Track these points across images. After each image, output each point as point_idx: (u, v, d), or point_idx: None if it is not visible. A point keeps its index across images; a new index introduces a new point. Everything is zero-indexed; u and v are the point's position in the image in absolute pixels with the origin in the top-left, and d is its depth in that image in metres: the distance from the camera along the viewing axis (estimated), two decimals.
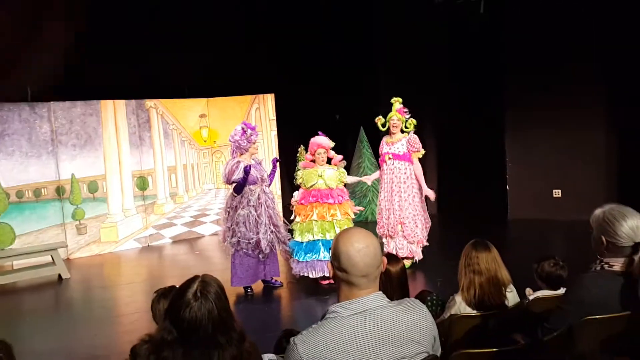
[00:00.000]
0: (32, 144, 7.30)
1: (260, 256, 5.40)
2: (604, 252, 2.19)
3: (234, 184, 5.30)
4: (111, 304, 5.74)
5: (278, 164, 5.84)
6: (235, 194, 5.33)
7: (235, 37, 8.61)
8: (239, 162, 5.29)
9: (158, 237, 8.40)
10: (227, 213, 5.43)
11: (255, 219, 5.31)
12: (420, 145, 5.90)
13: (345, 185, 5.67)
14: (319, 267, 5.35)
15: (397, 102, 5.91)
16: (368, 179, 6.34)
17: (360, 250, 1.68)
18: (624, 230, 2.12)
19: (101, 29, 7.50)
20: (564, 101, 7.79)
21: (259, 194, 5.36)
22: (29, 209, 7.26)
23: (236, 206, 5.34)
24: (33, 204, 7.31)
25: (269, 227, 5.38)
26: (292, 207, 5.68)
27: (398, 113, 5.86)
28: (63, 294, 6.24)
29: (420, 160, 6.01)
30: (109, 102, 7.91)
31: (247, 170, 5.21)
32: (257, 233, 5.30)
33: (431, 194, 5.93)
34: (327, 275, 5.31)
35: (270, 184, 5.58)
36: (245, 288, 5.50)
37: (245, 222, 5.28)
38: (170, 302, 1.71)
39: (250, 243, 5.31)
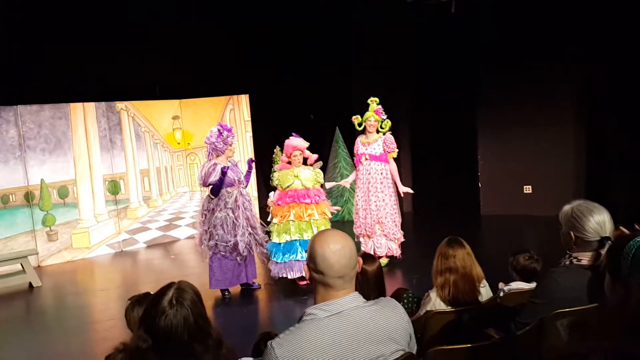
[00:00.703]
0: None
1: (238, 258, 5.38)
2: (572, 247, 2.25)
3: (211, 187, 5.26)
4: (85, 312, 5.64)
5: (253, 164, 5.82)
6: (212, 197, 5.29)
7: (208, 37, 8.53)
8: (215, 164, 5.25)
9: (132, 242, 8.27)
10: (203, 216, 5.38)
11: (233, 221, 5.28)
12: (395, 145, 5.96)
13: (321, 185, 5.69)
14: (296, 267, 5.35)
15: (374, 103, 5.95)
16: (346, 183, 6.41)
17: (336, 251, 1.69)
18: (591, 225, 2.18)
19: (70, 29, 7.35)
20: (535, 99, 7.96)
21: (236, 196, 5.33)
22: None
23: (213, 209, 5.30)
24: (1, 210, 7.12)
25: (247, 230, 5.36)
26: (269, 208, 5.67)
27: (375, 114, 5.90)
28: (34, 302, 6.09)
29: (395, 159, 6.08)
30: (78, 105, 7.75)
31: (224, 172, 5.19)
32: (235, 235, 5.28)
33: (408, 190, 6.07)
34: (304, 276, 5.32)
35: (246, 185, 5.56)
36: (223, 291, 5.46)
37: (223, 224, 5.25)
38: (145, 309, 1.68)
39: (228, 246, 5.28)
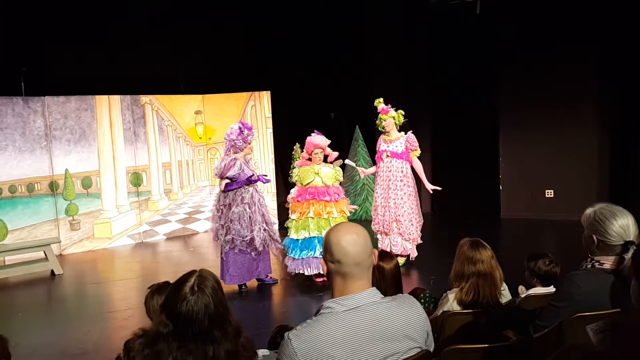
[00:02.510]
0: (25, 138, 7.27)
1: (253, 253, 5.41)
2: (594, 251, 2.22)
3: (225, 181, 5.29)
4: (104, 300, 5.73)
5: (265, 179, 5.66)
6: (225, 191, 5.33)
7: (232, 33, 8.61)
8: (235, 159, 5.29)
9: (152, 233, 8.39)
10: (220, 211, 5.42)
11: (250, 216, 5.32)
12: (417, 144, 5.94)
13: (340, 183, 5.69)
14: (314, 264, 5.37)
15: (379, 104, 5.95)
16: (364, 172, 6.42)
17: (351, 239, 1.71)
18: (614, 229, 2.15)
19: (98, 23, 7.49)
20: (559, 101, 7.85)
21: (252, 193, 5.38)
22: (21, 204, 7.23)
23: (230, 204, 5.34)
24: (26, 199, 7.28)
25: (262, 225, 5.39)
26: (288, 204, 5.69)
27: (381, 114, 5.91)
28: (56, 289, 6.22)
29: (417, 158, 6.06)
30: (104, 97, 7.88)
31: (250, 180, 5.27)
32: (252, 231, 5.31)
33: (436, 188, 6.03)
34: (322, 272, 5.33)
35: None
36: (240, 285, 5.51)
37: (240, 219, 5.29)
38: (167, 295, 1.71)
39: (244, 240, 5.32)
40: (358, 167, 6.79)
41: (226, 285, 5.36)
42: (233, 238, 5.31)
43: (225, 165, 5.25)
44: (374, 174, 6.34)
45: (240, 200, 5.32)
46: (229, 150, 5.41)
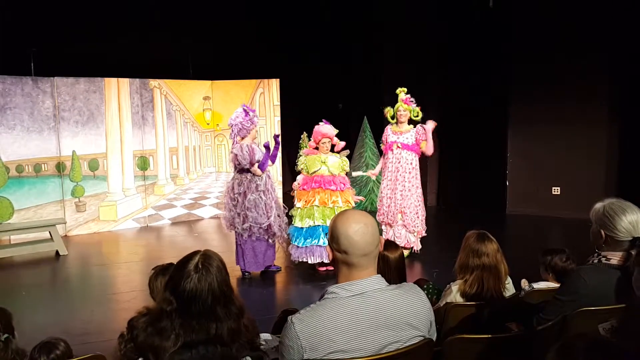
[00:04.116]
0: (34, 118, 7.29)
1: (270, 240, 5.47)
2: (602, 246, 2.20)
3: (257, 164, 5.29)
4: (108, 282, 5.77)
5: (279, 139, 5.76)
6: (259, 173, 5.32)
7: (243, 21, 8.58)
8: (250, 144, 5.32)
9: (157, 217, 8.42)
10: (234, 200, 5.41)
11: (265, 203, 5.36)
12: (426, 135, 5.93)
13: (346, 173, 5.69)
14: (317, 252, 5.38)
15: (402, 93, 5.91)
16: (373, 174, 6.39)
17: (359, 229, 1.69)
18: (623, 224, 2.13)
19: (109, 6, 7.47)
20: (568, 98, 7.79)
21: (265, 180, 5.41)
22: (28, 184, 7.26)
23: (244, 192, 5.36)
24: (33, 179, 7.32)
25: (278, 211, 5.46)
26: (293, 192, 5.69)
27: (404, 103, 5.86)
28: (60, 270, 6.26)
29: (422, 153, 6.03)
30: (113, 80, 7.88)
31: (266, 146, 5.33)
32: (268, 217, 5.36)
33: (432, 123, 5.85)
34: (325, 261, 5.34)
35: (273, 162, 5.59)
36: (244, 272, 5.53)
37: (256, 207, 5.33)
38: (172, 273, 1.72)
39: (262, 228, 5.36)
40: (366, 172, 6.71)
41: (243, 270, 5.41)
42: (250, 226, 5.34)
43: (248, 153, 5.25)
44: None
45: (255, 187, 5.35)
46: (236, 136, 5.39)
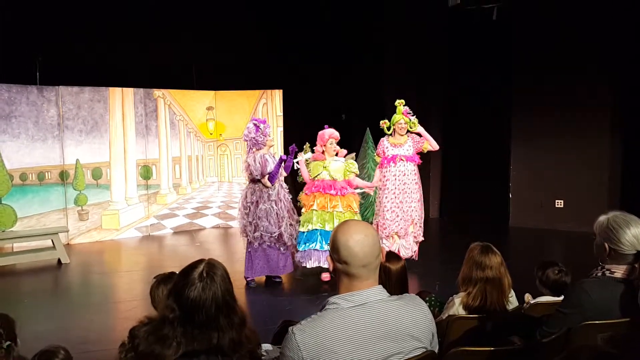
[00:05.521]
0: (38, 127, 7.32)
1: (281, 249, 5.51)
2: (606, 259, 2.19)
3: (268, 175, 5.35)
4: (109, 291, 5.76)
5: (293, 151, 5.75)
6: (269, 185, 5.37)
7: (246, 31, 8.63)
8: (263, 154, 5.37)
9: (159, 227, 8.42)
10: (247, 208, 5.48)
11: (277, 212, 5.41)
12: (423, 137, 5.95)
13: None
14: (315, 256, 5.39)
15: (401, 105, 5.93)
16: (371, 190, 6.37)
17: (359, 240, 1.69)
18: (627, 238, 2.12)
19: (113, 15, 7.53)
20: (571, 110, 7.78)
21: (277, 189, 5.44)
22: (31, 192, 7.28)
23: (257, 201, 5.42)
24: (36, 187, 7.33)
25: (289, 221, 5.50)
26: (300, 196, 5.75)
27: (404, 116, 5.88)
28: (62, 278, 6.25)
29: (424, 164, 6.05)
30: (117, 89, 7.93)
31: (283, 159, 5.37)
32: (280, 227, 5.41)
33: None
34: (324, 266, 5.35)
35: (288, 173, 5.64)
36: (249, 280, 5.54)
37: (268, 216, 5.38)
38: (175, 281, 1.71)
39: (273, 237, 5.41)
40: (368, 184, 6.56)
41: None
42: (262, 234, 5.38)
43: (260, 164, 5.31)
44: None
45: (267, 197, 5.40)
46: (252, 149, 5.45)
